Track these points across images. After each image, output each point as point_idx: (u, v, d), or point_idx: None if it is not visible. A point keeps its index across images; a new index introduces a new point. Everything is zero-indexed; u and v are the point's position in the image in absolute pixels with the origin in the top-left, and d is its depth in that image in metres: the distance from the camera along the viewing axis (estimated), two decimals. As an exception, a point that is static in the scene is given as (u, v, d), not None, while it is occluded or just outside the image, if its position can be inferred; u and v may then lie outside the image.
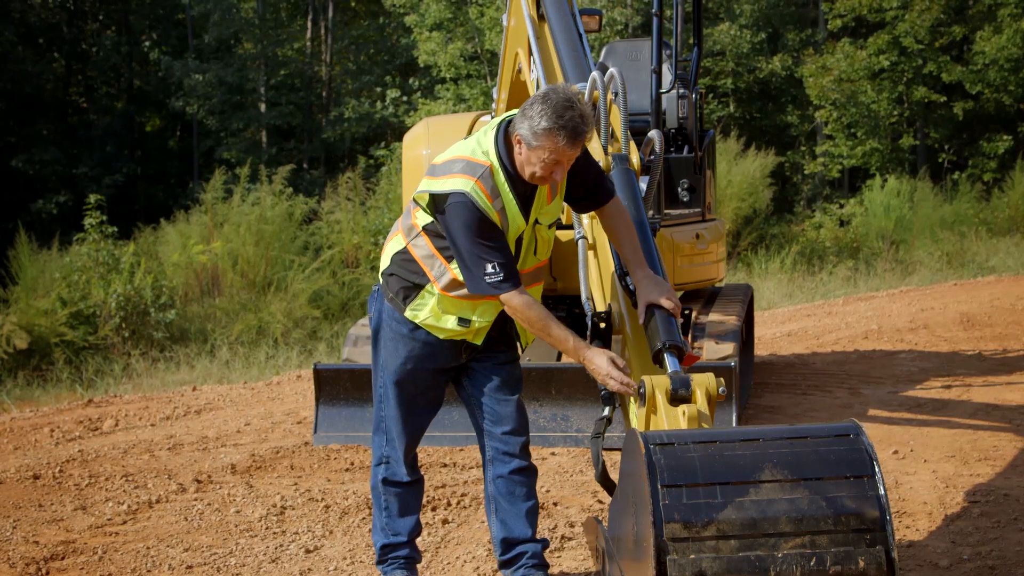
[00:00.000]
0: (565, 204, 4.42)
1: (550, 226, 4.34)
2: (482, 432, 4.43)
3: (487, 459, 4.43)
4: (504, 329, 4.39)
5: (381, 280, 4.42)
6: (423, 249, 4.23)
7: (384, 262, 4.41)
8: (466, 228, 4.03)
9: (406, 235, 4.31)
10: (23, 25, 28.57)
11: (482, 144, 4.15)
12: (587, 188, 4.30)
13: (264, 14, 29.83)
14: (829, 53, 26.38)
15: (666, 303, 3.98)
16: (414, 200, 4.26)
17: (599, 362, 3.97)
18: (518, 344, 4.52)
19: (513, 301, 4.06)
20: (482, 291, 4.08)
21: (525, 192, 4.15)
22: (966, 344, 10.77)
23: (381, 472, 4.50)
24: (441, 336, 4.31)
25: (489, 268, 4.02)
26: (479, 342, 4.34)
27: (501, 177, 4.09)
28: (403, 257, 4.31)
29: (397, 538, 4.51)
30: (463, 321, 4.27)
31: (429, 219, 4.19)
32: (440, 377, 4.45)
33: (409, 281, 4.30)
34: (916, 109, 26.93)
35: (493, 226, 4.06)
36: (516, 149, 4.07)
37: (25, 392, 12.47)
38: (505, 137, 4.12)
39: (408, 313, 4.31)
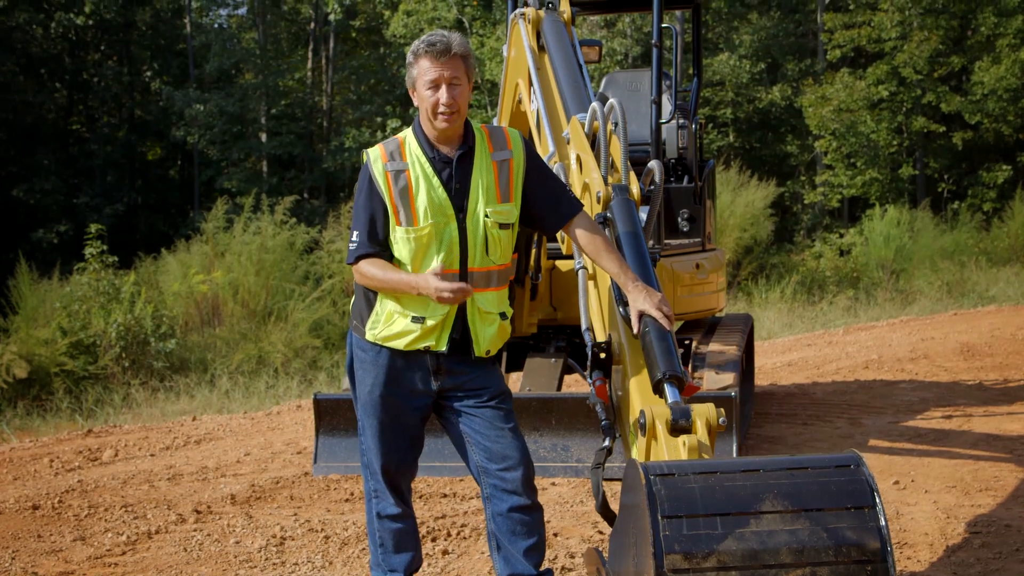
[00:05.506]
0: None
1: (503, 226, 4.24)
2: (479, 469, 4.33)
3: (485, 496, 4.34)
4: (466, 337, 4.26)
5: (351, 311, 4.47)
6: None
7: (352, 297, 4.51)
8: (358, 191, 4.27)
9: None
10: (24, 55, 28.70)
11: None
12: (546, 197, 4.29)
13: (265, 44, 30.00)
14: (828, 83, 26.50)
15: (657, 312, 3.94)
16: None
17: (427, 284, 4.06)
18: (498, 373, 4.43)
19: (361, 268, 4.22)
20: (348, 258, 4.26)
21: (447, 162, 4.21)
22: (967, 374, 10.76)
23: (373, 506, 4.45)
24: (401, 345, 4.24)
25: (354, 236, 4.22)
26: (443, 347, 4.24)
27: (413, 145, 4.22)
28: None
29: (393, 574, 4.46)
30: (417, 319, 4.21)
31: None
32: (410, 402, 4.33)
33: (366, 296, 4.32)
34: (915, 139, 27.04)
35: (375, 195, 4.19)
36: (414, 101, 4.24)
37: (25, 422, 12.44)
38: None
39: (368, 334, 4.29)
